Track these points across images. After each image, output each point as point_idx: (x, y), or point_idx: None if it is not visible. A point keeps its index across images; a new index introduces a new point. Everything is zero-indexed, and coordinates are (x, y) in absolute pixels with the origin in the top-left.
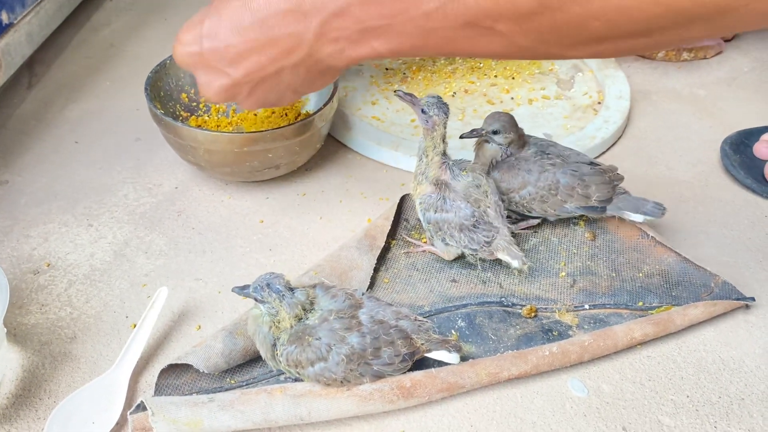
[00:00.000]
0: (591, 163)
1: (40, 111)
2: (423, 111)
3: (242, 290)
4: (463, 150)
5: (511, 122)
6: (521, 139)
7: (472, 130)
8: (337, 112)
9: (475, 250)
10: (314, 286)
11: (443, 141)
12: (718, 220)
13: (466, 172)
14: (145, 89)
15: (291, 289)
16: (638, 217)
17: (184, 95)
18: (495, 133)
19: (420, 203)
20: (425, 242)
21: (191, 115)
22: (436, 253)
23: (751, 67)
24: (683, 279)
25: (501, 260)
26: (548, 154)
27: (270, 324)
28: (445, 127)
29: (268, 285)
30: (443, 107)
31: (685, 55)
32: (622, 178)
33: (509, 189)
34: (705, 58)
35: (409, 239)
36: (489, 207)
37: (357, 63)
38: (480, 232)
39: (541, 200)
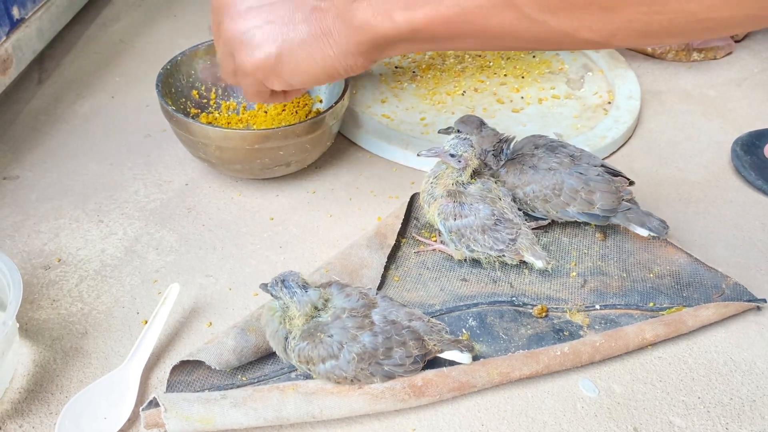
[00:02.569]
0: (603, 166)
1: (50, 107)
2: (452, 155)
3: (265, 286)
4: None
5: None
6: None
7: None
8: (347, 110)
9: (502, 251)
10: (329, 284)
11: (471, 174)
12: (729, 221)
13: (475, 180)
14: (156, 86)
15: (305, 288)
16: (643, 232)
17: (195, 92)
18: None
19: (439, 214)
20: (435, 240)
21: (202, 112)
22: (447, 251)
23: (761, 68)
24: (694, 280)
25: (514, 262)
26: (557, 153)
27: (281, 319)
28: (477, 158)
29: (283, 281)
30: (467, 142)
31: (695, 55)
32: (630, 190)
33: (514, 185)
34: (715, 58)
35: (419, 238)
36: (505, 208)
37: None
38: (502, 230)
39: (544, 199)
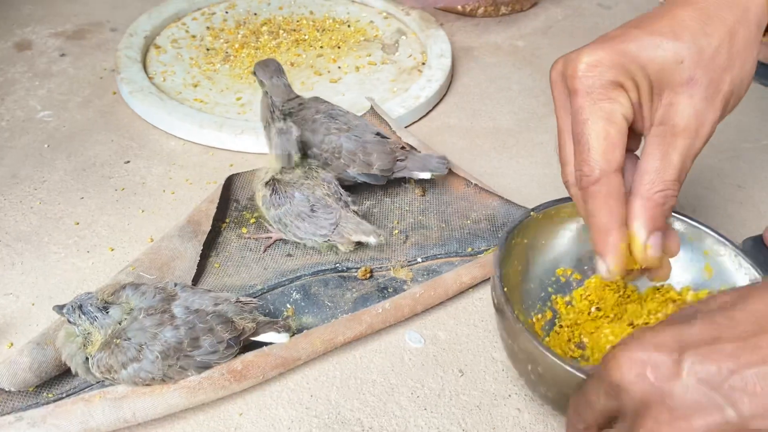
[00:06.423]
0: (378, 134)
1: None
2: (282, 130)
3: (60, 309)
4: None
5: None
6: (288, 89)
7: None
8: (156, 97)
9: (326, 236)
10: (123, 287)
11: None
12: (540, 161)
13: (297, 167)
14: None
15: (105, 309)
16: (425, 174)
17: None
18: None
19: (263, 205)
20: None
21: None
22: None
23: (564, 15)
24: (507, 220)
25: (349, 248)
26: (336, 119)
27: (81, 344)
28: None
29: (80, 307)
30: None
31: (503, 9)
32: (404, 152)
33: None
34: (522, 10)
35: (256, 236)
36: (325, 194)
37: None
38: (321, 216)
39: (325, 163)
